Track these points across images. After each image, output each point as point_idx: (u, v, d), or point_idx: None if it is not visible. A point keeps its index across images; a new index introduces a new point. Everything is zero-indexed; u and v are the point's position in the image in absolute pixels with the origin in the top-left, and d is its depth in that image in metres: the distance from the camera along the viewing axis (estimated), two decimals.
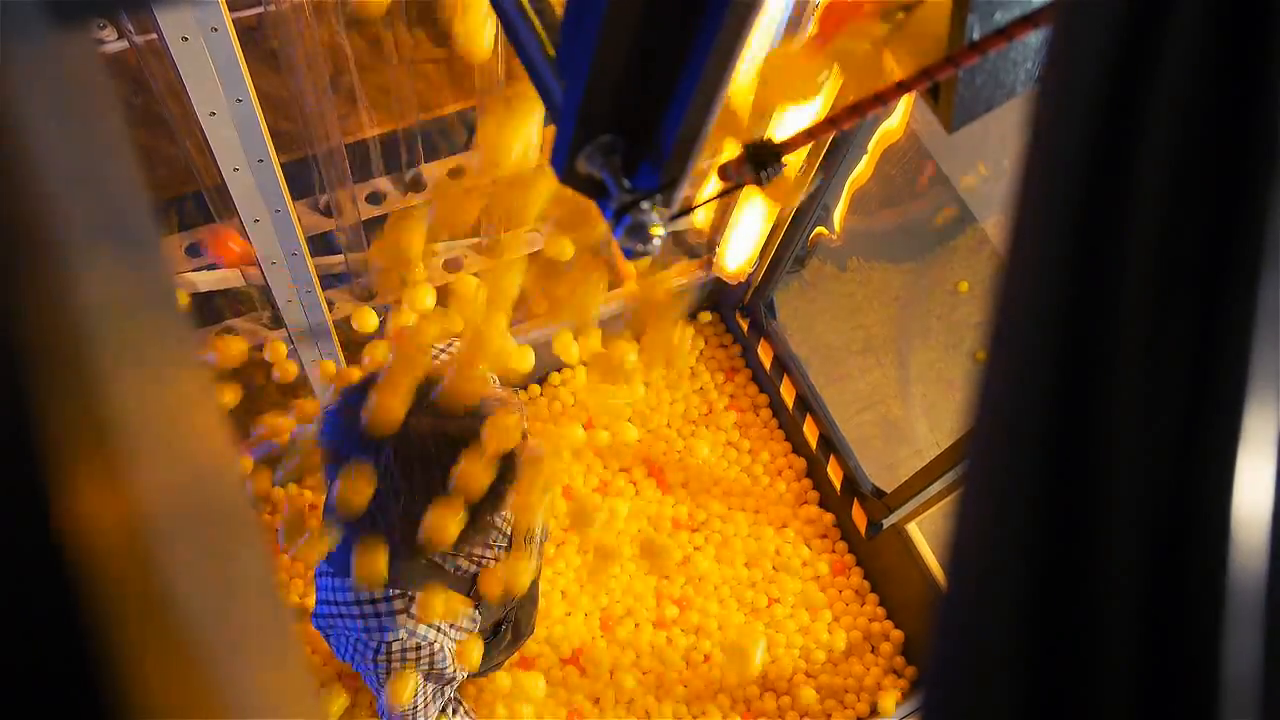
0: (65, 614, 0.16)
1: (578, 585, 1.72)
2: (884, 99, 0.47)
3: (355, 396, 0.94)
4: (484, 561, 1.15)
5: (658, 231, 0.46)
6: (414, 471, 0.92)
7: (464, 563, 1.13)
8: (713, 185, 0.52)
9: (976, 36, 0.46)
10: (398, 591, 1.06)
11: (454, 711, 1.27)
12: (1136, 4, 0.21)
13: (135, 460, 0.17)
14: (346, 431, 0.93)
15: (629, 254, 0.47)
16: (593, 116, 0.43)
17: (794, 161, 1.49)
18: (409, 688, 1.09)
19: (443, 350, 1.14)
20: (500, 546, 1.17)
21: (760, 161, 0.49)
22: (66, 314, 0.17)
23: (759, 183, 0.50)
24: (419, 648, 1.08)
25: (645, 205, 0.46)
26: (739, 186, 0.50)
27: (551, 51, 0.46)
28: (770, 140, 0.49)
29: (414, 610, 1.07)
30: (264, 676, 0.19)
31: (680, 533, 1.79)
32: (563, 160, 0.45)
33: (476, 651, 1.15)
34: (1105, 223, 0.21)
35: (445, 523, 0.92)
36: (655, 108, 0.43)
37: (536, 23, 0.47)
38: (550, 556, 1.72)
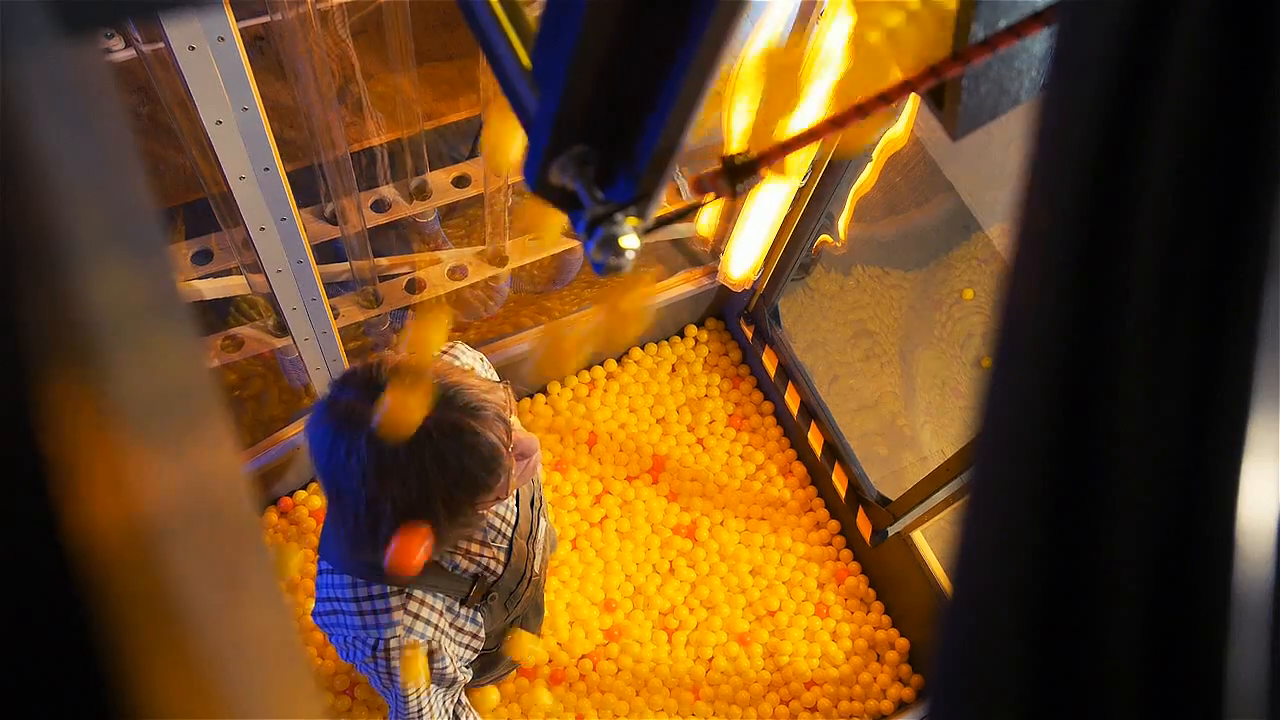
0: (70, 616, 0.16)
1: (582, 595, 1.72)
2: (889, 98, 0.46)
3: (335, 395, 0.94)
4: (483, 560, 1.15)
5: (630, 245, 0.45)
6: (387, 461, 0.91)
7: (462, 561, 1.13)
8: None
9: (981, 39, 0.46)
10: (395, 589, 1.06)
11: (459, 717, 1.27)
12: (1140, 13, 0.21)
13: (140, 463, 0.17)
14: (323, 434, 0.94)
15: (599, 268, 0.46)
16: (567, 127, 0.42)
17: (795, 166, 1.48)
18: (418, 668, 1.08)
19: (444, 352, 1.15)
20: (500, 547, 1.17)
21: (737, 174, 0.48)
22: (74, 317, 0.18)
23: (733, 195, 0.49)
24: (415, 646, 1.08)
25: (619, 218, 0.45)
26: (718, 198, 0.50)
27: (526, 61, 0.45)
28: (748, 153, 0.49)
29: (410, 607, 1.07)
30: (268, 679, 0.19)
31: (684, 539, 1.78)
32: (534, 171, 0.44)
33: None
34: (1109, 232, 0.21)
35: None
36: (632, 119, 0.42)
37: (510, 31, 0.46)
38: (554, 566, 1.72)
